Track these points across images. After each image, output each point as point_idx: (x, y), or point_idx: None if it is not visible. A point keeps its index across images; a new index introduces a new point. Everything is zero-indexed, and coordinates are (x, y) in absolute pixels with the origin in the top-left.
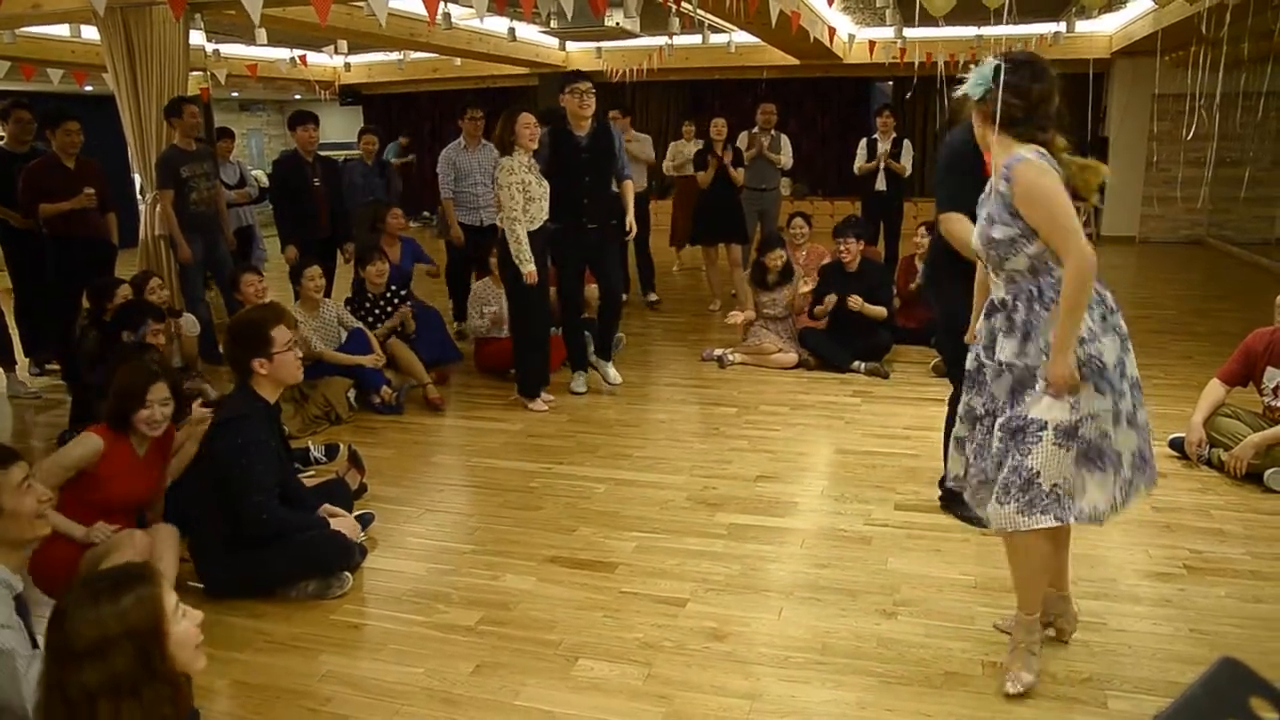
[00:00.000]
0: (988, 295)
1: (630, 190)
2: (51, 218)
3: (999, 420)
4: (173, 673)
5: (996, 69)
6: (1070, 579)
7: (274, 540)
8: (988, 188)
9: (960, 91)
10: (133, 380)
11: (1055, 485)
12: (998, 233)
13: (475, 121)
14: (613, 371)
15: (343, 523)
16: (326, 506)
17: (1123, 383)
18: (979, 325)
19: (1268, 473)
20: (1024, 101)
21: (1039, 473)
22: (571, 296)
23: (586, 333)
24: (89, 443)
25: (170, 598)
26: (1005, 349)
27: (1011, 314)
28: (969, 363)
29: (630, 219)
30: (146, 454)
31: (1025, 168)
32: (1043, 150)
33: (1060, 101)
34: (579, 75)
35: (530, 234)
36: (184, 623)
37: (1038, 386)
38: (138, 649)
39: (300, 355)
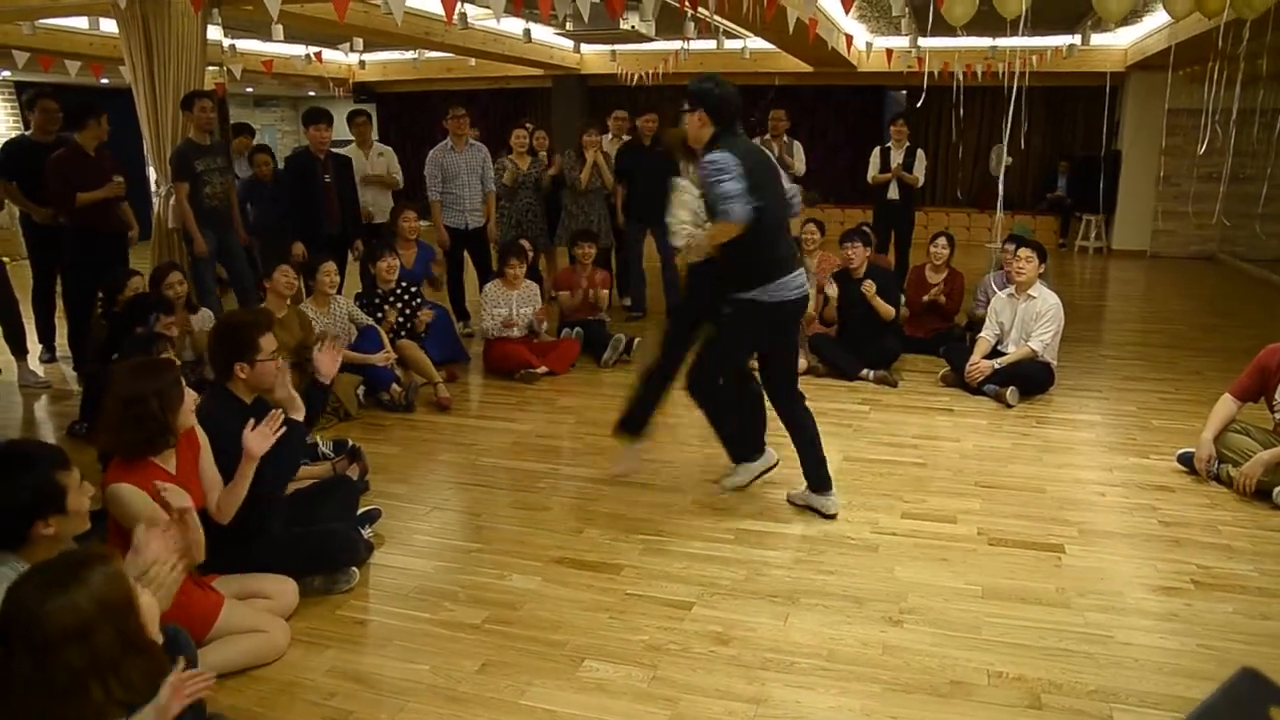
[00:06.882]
0: None
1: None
2: (77, 209)
3: None
4: (148, 643)
5: None
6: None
7: (283, 533)
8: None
9: None
10: (163, 389)
11: None
12: None
13: (459, 120)
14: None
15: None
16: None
17: None
18: None
19: (1277, 490)
20: None
21: None
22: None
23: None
24: (135, 499)
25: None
26: None
27: None
28: None
29: None
30: (178, 465)
31: None
32: None
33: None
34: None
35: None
36: (145, 596)
37: None
38: (115, 625)
39: (281, 364)
